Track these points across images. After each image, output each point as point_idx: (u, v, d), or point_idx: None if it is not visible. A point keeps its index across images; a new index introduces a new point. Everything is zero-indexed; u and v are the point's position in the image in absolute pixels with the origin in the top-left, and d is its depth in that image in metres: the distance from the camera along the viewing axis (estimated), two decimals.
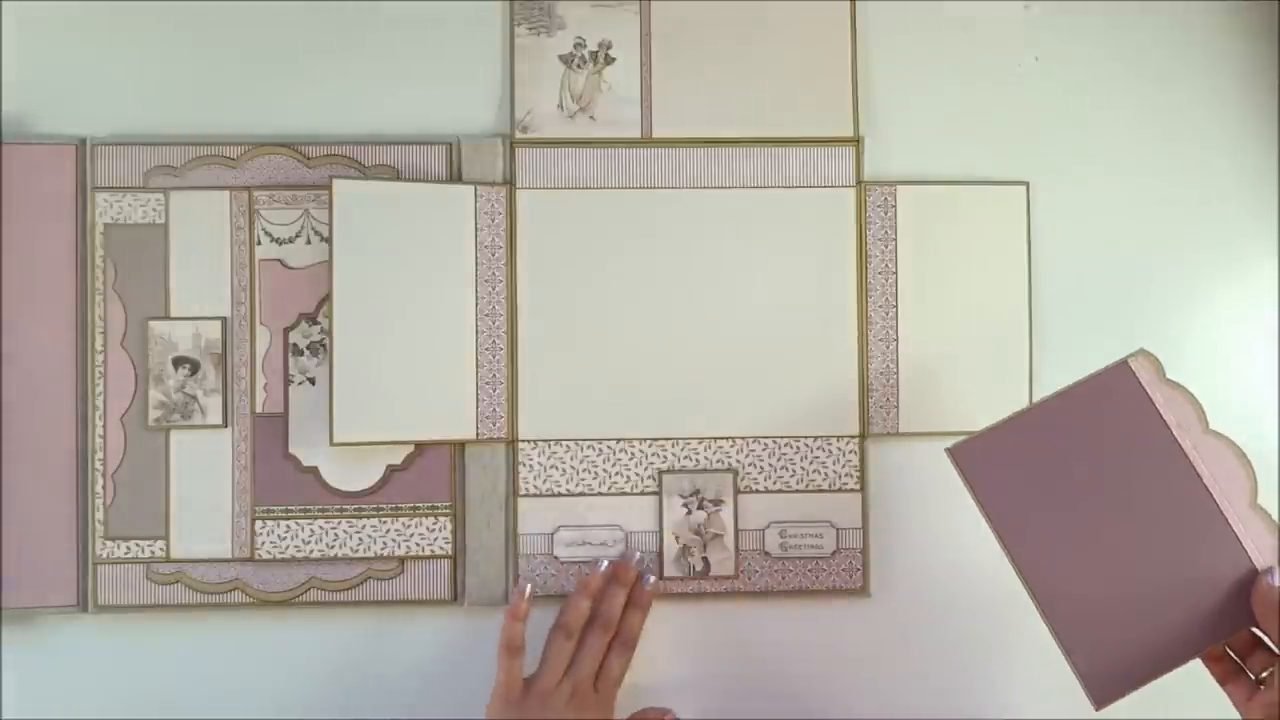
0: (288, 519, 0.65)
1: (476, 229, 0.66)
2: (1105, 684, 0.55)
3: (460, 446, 0.66)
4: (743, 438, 0.67)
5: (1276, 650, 0.53)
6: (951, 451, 0.57)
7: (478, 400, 0.66)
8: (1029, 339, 0.68)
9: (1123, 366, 0.56)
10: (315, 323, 0.66)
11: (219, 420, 0.66)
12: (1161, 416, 0.55)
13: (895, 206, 0.68)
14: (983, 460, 0.56)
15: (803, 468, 0.67)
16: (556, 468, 0.66)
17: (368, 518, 0.66)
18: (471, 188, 0.66)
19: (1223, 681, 0.56)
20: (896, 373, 0.67)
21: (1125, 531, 0.55)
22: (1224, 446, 0.56)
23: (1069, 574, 0.55)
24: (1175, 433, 0.55)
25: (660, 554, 0.66)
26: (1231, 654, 0.56)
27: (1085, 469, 0.56)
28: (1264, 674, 0.54)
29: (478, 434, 0.66)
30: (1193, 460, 0.55)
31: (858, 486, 0.67)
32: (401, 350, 0.65)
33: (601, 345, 0.67)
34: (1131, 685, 0.55)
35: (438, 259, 0.66)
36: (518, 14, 0.68)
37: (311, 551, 0.65)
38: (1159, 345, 0.69)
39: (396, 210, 0.65)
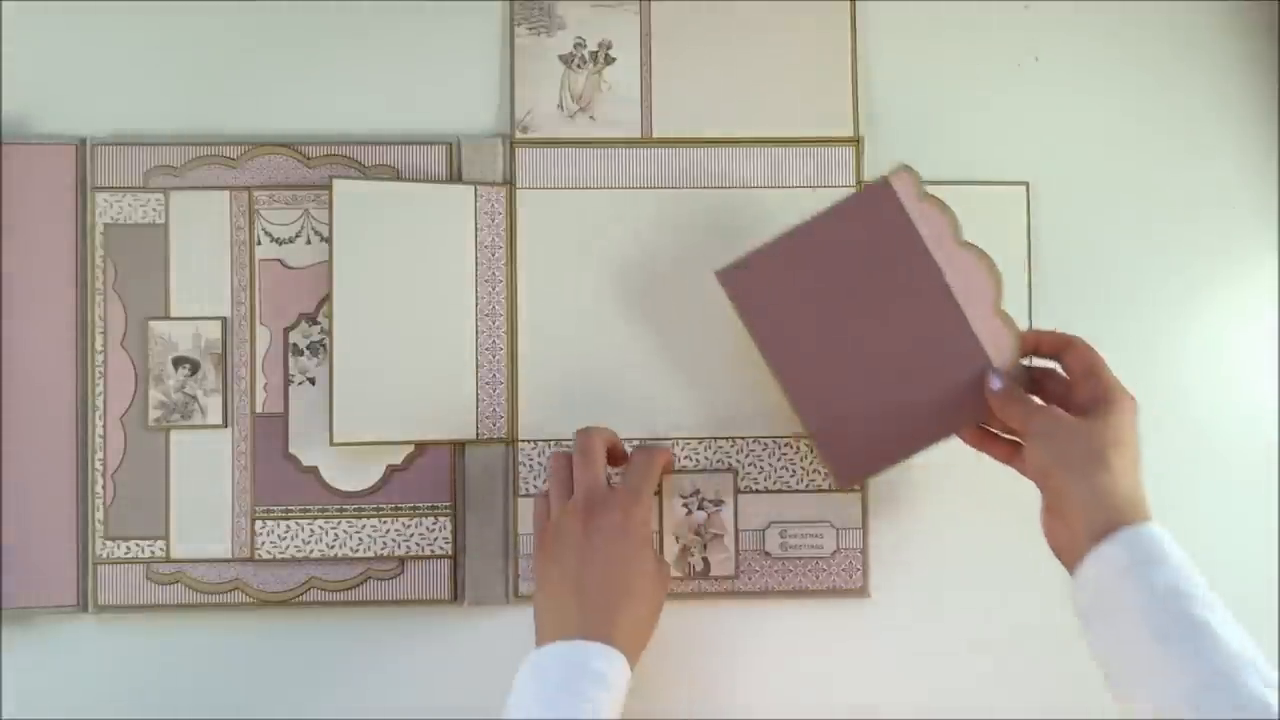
0: (288, 519, 0.65)
1: (476, 229, 0.66)
2: (851, 468, 0.62)
3: (460, 446, 0.66)
4: (743, 438, 0.67)
5: (1012, 435, 0.60)
6: (719, 275, 0.61)
7: (478, 400, 0.66)
8: None
9: (883, 183, 0.60)
10: (315, 323, 0.66)
11: (219, 420, 0.66)
12: (916, 229, 0.60)
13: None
14: (748, 281, 0.61)
15: (803, 468, 0.67)
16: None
17: (368, 518, 0.66)
18: (471, 188, 0.66)
19: (979, 446, 0.62)
20: None
21: (880, 338, 0.60)
22: (975, 258, 0.60)
23: (826, 381, 0.61)
24: (928, 244, 0.60)
25: (660, 554, 0.66)
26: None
27: (847, 283, 0.61)
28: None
29: (478, 434, 0.66)
30: (942, 269, 0.60)
31: (858, 486, 0.67)
32: (401, 350, 0.65)
33: (602, 345, 0.67)
34: (875, 469, 0.62)
35: (438, 259, 0.66)
36: (518, 14, 0.68)
37: (311, 551, 0.65)
38: (1159, 344, 0.69)
39: (396, 210, 0.65)
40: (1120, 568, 0.51)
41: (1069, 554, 0.54)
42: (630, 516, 0.57)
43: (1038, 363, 0.62)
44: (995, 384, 0.59)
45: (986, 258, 0.60)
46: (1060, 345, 0.60)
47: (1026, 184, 0.69)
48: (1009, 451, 0.61)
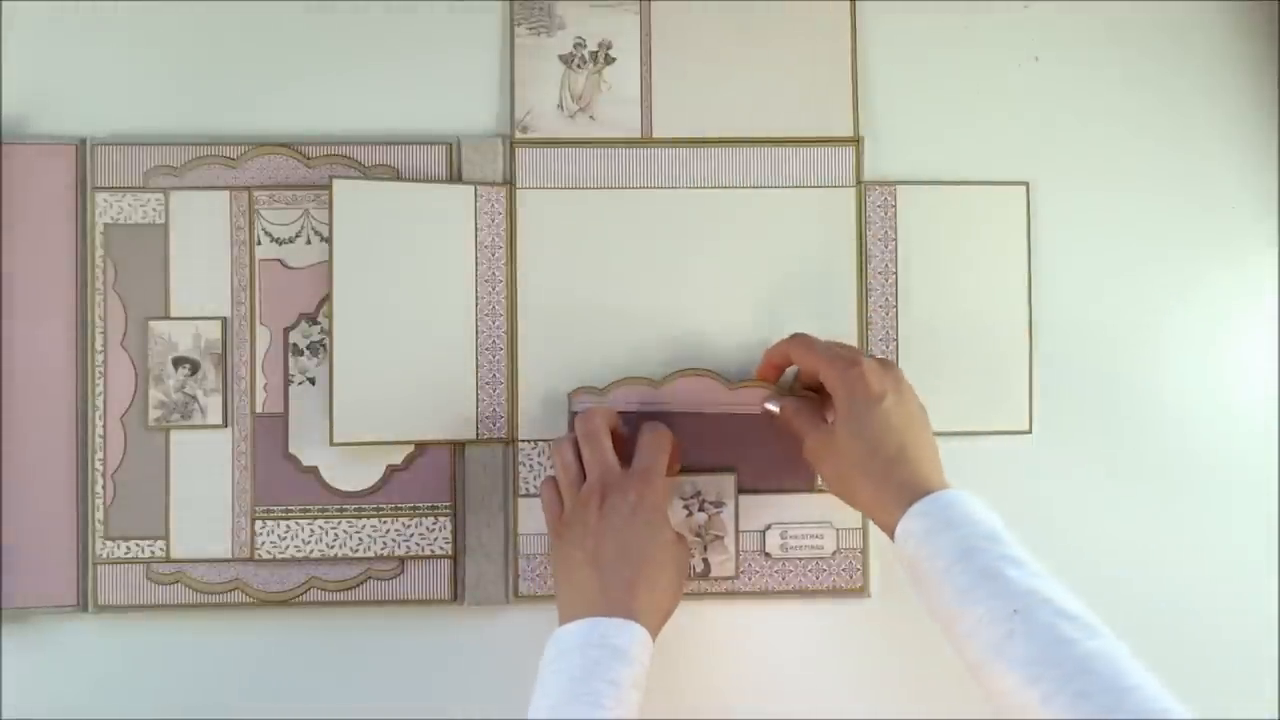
0: (288, 519, 0.65)
1: (476, 229, 0.66)
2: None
3: (460, 446, 0.66)
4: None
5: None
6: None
7: (478, 400, 0.66)
8: (1029, 339, 0.68)
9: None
10: (315, 323, 0.66)
11: (219, 420, 0.66)
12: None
13: (895, 207, 0.68)
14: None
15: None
16: (557, 467, 0.66)
17: (368, 518, 0.66)
18: (471, 188, 0.66)
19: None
20: None
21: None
22: (691, 382, 0.65)
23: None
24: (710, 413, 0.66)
25: None
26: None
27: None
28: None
29: (478, 434, 0.66)
30: (719, 417, 0.66)
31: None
32: (401, 350, 0.65)
33: (602, 345, 0.67)
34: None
35: (437, 259, 0.66)
36: (518, 14, 0.68)
37: (311, 551, 0.65)
38: (1159, 344, 0.69)
39: (396, 210, 0.65)
40: (915, 544, 0.52)
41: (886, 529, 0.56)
42: (644, 496, 0.58)
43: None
44: (772, 407, 0.63)
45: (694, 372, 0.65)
46: (782, 358, 0.63)
47: (1026, 184, 0.69)
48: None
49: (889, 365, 0.60)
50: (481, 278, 0.66)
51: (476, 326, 0.66)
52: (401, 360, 0.65)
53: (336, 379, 0.64)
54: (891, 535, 0.55)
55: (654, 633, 0.55)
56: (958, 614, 0.50)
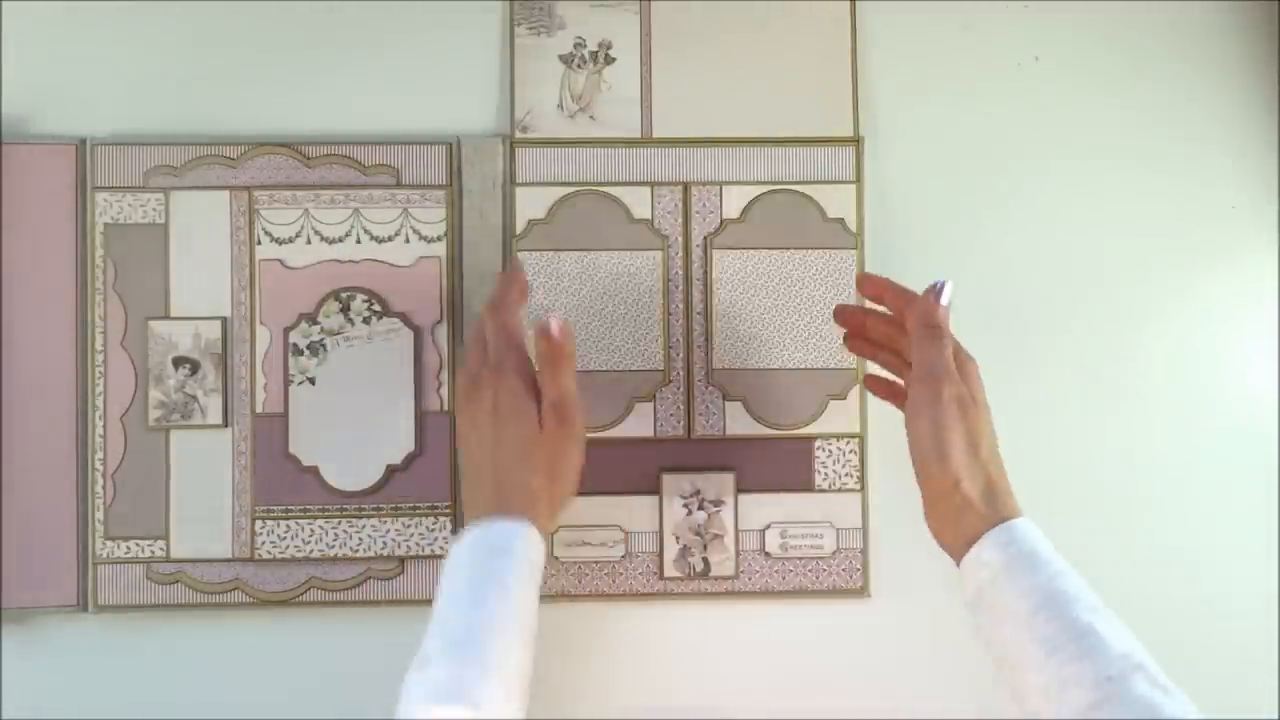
0: (288, 519, 0.65)
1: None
2: None
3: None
4: (743, 438, 0.67)
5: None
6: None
7: None
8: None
9: None
10: (315, 323, 0.66)
11: (219, 420, 0.66)
12: None
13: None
14: None
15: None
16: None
17: (368, 518, 0.66)
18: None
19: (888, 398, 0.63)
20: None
21: None
22: None
23: None
24: None
25: (660, 554, 0.66)
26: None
27: None
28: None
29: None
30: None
31: (858, 486, 0.67)
32: None
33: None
34: None
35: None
36: (518, 14, 0.68)
37: (311, 551, 0.65)
38: (1159, 343, 0.69)
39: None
40: (990, 575, 0.50)
41: (950, 549, 0.54)
42: (499, 394, 0.56)
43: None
44: (946, 296, 0.56)
45: None
46: (902, 302, 0.59)
47: (1026, 184, 0.69)
48: (902, 401, 0.61)
49: (973, 362, 0.57)
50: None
51: None
52: None
53: None
54: (951, 549, 0.53)
55: (543, 527, 0.54)
56: (1038, 664, 0.48)
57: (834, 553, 0.67)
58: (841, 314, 0.63)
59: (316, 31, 0.68)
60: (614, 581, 0.66)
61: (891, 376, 0.63)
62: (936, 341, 0.55)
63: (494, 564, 0.51)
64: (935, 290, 0.56)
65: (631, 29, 0.68)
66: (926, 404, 0.53)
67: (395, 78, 0.68)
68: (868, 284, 0.61)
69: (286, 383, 0.66)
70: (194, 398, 0.66)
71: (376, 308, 0.66)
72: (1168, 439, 0.69)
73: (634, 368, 0.67)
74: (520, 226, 0.67)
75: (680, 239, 0.68)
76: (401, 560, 0.66)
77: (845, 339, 0.64)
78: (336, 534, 0.65)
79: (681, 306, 0.67)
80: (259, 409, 0.66)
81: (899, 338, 0.60)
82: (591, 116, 0.68)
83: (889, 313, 0.60)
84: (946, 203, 0.69)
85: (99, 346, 0.66)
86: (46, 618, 0.65)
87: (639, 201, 0.67)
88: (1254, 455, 0.69)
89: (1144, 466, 0.69)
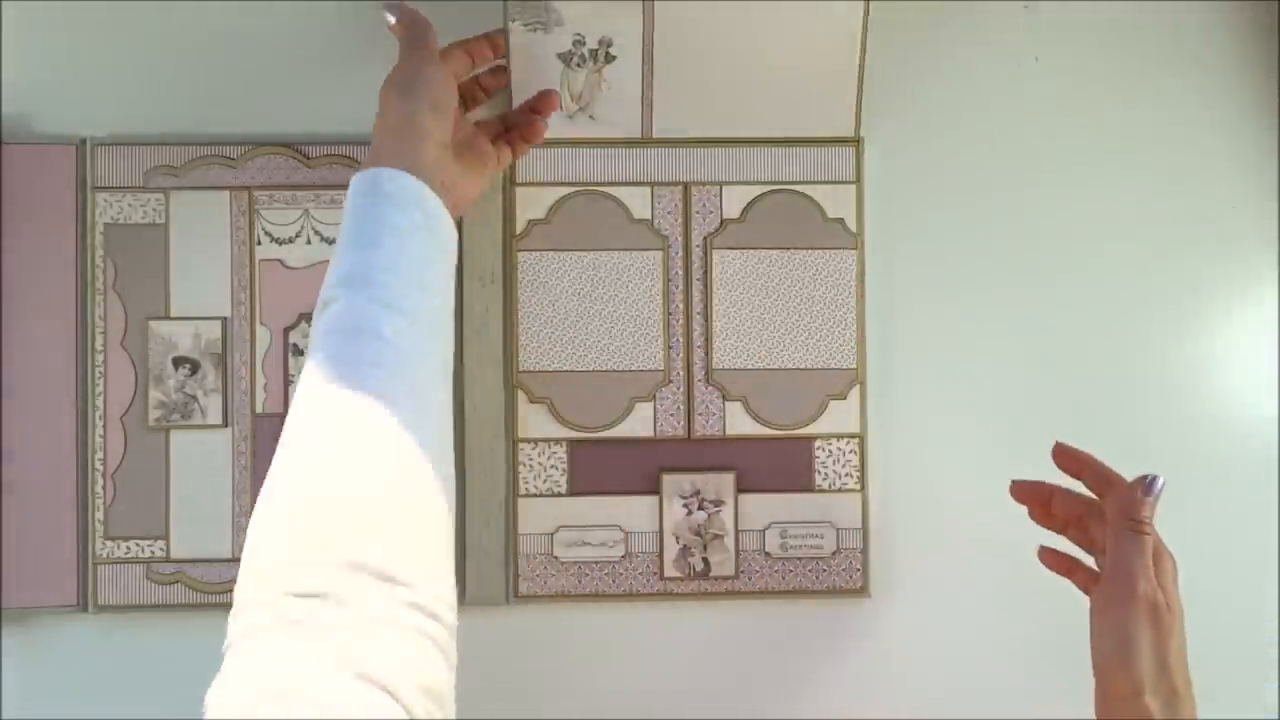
0: None
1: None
2: None
3: (460, 447, 0.66)
4: (743, 438, 0.67)
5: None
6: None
7: None
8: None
9: None
10: None
11: (219, 420, 0.66)
12: None
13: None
14: None
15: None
16: (556, 468, 0.66)
17: None
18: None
19: (1068, 574, 0.57)
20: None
21: None
22: None
23: None
24: None
25: (660, 554, 0.66)
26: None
27: None
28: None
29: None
30: None
31: (858, 486, 0.67)
32: None
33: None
34: None
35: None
36: (513, 11, 0.67)
37: None
38: (1159, 343, 0.69)
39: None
40: None
41: None
42: (404, 74, 0.56)
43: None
44: (1156, 491, 0.53)
45: None
46: (1102, 483, 0.55)
47: (1026, 184, 0.69)
48: (1085, 580, 0.56)
49: (1171, 559, 0.54)
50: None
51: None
52: None
53: None
54: None
55: (436, 187, 0.53)
56: None
57: (834, 553, 0.67)
58: (1021, 491, 0.58)
59: (316, 32, 0.68)
60: (614, 581, 0.66)
61: (1073, 550, 0.58)
62: (1138, 538, 0.52)
63: (375, 209, 0.50)
64: (1145, 484, 0.53)
65: (633, 26, 0.67)
66: (1117, 603, 0.50)
67: None
68: (1066, 458, 0.56)
69: (286, 383, 0.66)
70: (194, 398, 0.66)
71: None
72: (1168, 436, 0.69)
73: (634, 368, 0.67)
74: (520, 226, 0.67)
75: (680, 239, 0.68)
76: None
77: (1031, 513, 0.58)
78: None
79: (681, 306, 0.67)
80: (259, 409, 0.66)
81: (1089, 517, 0.56)
82: (591, 116, 0.67)
83: (1068, 487, 0.57)
84: (946, 203, 0.69)
85: (99, 346, 0.66)
86: (46, 618, 0.65)
87: (639, 201, 0.67)
88: (1254, 454, 0.69)
89: (1144, 464, 0.69)
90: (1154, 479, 0.53)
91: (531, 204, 0.67)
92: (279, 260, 0.66)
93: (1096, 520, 0.55)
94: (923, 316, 0.68)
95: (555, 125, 0.67)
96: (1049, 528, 0.58)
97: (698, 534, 0.66)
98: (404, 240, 0.50)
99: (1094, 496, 0.55)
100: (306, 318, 0.66)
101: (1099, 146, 0.69)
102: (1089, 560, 0.57)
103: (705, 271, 0.67)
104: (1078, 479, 0.56)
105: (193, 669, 0.66)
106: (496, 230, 0.67)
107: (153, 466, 0.65)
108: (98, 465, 0.65)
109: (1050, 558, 0.58)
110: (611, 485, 0.67)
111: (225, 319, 0.66)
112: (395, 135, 0.54)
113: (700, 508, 0.66)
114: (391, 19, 0.58)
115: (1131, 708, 0.49)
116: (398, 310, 0.47)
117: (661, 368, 0.67)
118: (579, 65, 0.67)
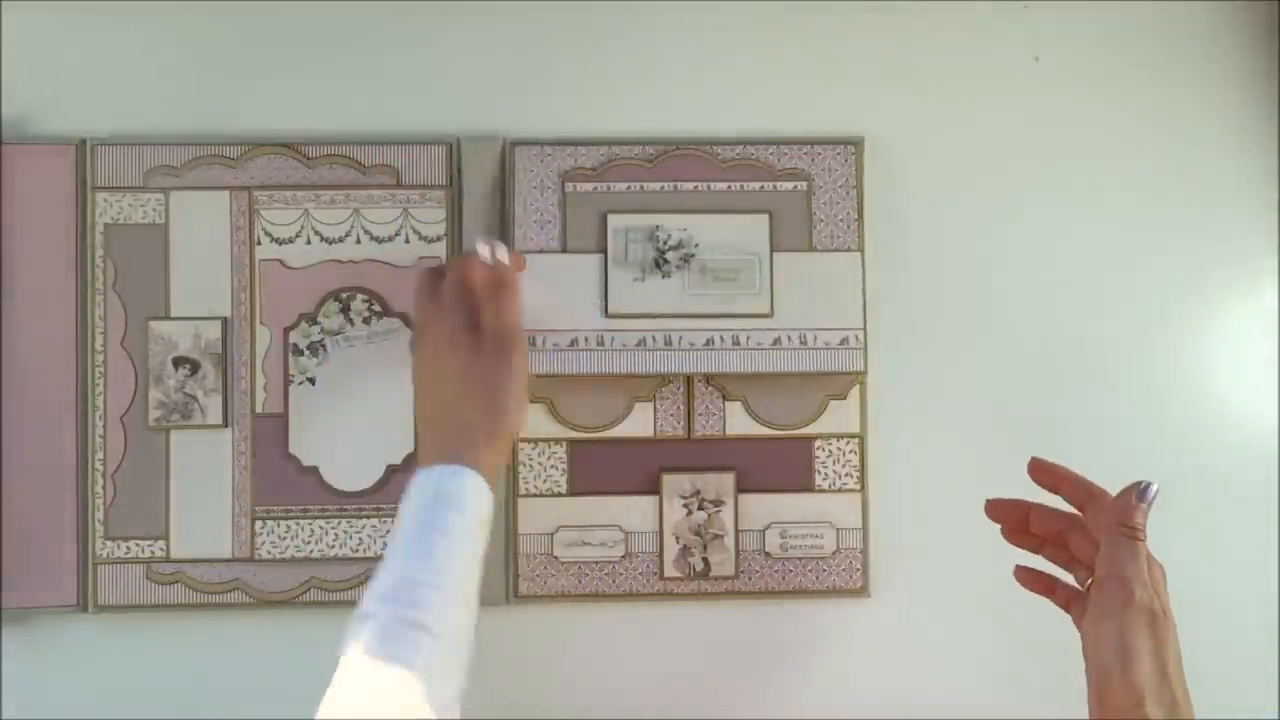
0: (288, 519, 0.65)
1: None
2: None
3: None
4: (743, 438, 0.67)
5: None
6: None
7: None
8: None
9: None
10: (315, 323, 0.66)
11: (219, 420, 0.66)
12: None
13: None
14: None
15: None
16: (556, 468, 0.66)
17: (368, 518, 0.66)
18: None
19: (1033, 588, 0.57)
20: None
21: None
22: None
23: None
24: None
25: (660, 554, 0.66)
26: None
27: None
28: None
29: None
30: None
31: (858, 486, 0.67)
32: None
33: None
34: None
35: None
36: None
37: (311, 551, 0.65)
38: (1160, 343, 0.69)
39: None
40: None
41: None
42: (445, 331, 0.56)
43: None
44: (1150, 498, 0.52)
45: None
46: (1082, 495, 0.55)
47: (1026, 184, 0.69)
48: (1065, 597, 0.56)
49: (1161, 569, 0.53)
50: None
51: None
52: None
53: None
54: None
55: (483, 460, 0.54)
56: None
57: (834, 553, 0.67)
58: (996, 509, 0.57)
59: (316, 31, 0.68)
60: (614, 581, 0.66)
61: (1051, 569, 0.57)
62: (1133, 545, 0.51)
63: (434, 513, 0.51)
64: (1139, 490, 0.52)
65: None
66: (1115, 611, 0.49)
67: (395, 77, 0.68)
68: (1043, 472, 0.56)
69: (286, 383, 0.66)
70: (194, 398, 0.66)
71: (376, 308, 0.66)
72: (1168, 438, 0.69)
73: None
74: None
75: None
76: None
77: (1004, 532, 0.57)
78: (336, 534, 0.65)
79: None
80: (259, 409, 0.66)
81: (1070, 531, 0.55)
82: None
83: (1045, 502, 0.56)
84: (946, 203, 0.69)
85: (99, 346, 0.66)
86: (46, 618, 0.65)
87: None
88: (1254, 455, 0.69)
89: (1145, 466, 0.69)
90: (1148, 485, 0.52)
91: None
92: (279, 260, 0.66)
93: (1078, 534, 0.54)
94: (922, 317, 0.68)
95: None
96: (1023, 547, 0.57)
97: (698, 534, 0.66)
98: (455, 543, 0.51)
99: (1074, 511, 0.55)
100: (306, 317, 0.66)
101: (1099, 146, 0.69)
102: (1068, 578, 0.56)
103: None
104: (1055, 493, 0.55)
105: (192, 669, 0.66)
106: (497, 230, 0.67)
107: (153, 466, 0.65)
108: (98, 465, 0.65)
109: (1028, 577, 0.57)
110: (611, 485, 0.67)
111: (225, 319, 0.66)
112: (461, 431, 0.54)
113: (700, 508, 0.66)
114: (499, 251, 0.57)
115: (1132, 716, 0.48)
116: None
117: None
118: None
